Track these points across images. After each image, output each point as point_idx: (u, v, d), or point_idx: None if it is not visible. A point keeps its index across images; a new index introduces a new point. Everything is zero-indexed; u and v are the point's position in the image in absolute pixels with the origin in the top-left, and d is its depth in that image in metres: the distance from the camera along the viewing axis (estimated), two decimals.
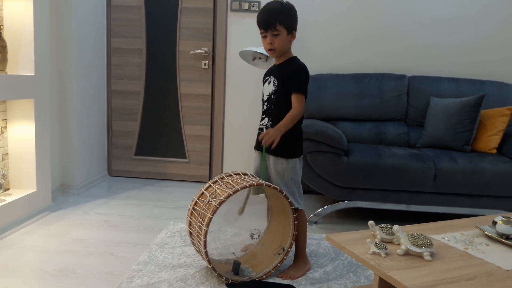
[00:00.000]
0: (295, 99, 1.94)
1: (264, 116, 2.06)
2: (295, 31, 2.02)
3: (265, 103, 2.06)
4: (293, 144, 2.01)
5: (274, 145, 1.88)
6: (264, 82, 2.10)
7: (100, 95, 3.58)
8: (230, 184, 1.87)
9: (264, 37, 1.99)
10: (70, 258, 2.10)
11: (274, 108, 2.00)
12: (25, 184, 2.63)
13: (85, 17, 3.23)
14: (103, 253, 2.18)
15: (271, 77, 2.04)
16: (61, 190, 3.18)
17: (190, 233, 1.94)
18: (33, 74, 2.54)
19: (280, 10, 1.95)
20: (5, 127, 2.59)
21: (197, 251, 1.97)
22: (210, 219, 1.75)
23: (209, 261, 1.80)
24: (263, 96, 2.10)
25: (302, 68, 1.98)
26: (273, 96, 2.01)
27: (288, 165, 1.99)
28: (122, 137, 3.74)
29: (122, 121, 3.72)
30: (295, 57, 2.06)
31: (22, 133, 2.59)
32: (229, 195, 1.78)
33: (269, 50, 2.00)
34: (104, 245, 2.28)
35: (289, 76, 1.96)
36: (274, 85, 2.01)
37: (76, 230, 2.47)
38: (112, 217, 2.72)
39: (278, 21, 1.93)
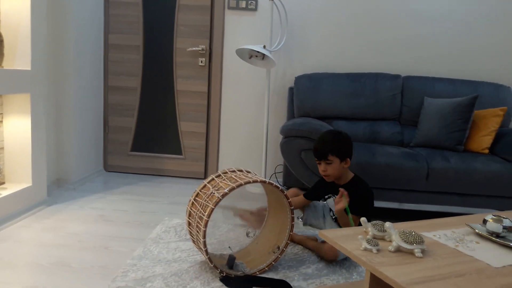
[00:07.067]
0: (353, 217, 2.09)
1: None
2: (350, 158, 2.20)
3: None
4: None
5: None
6: (326, 198, 2.31)
7: (97, 90, 3.58)
8: (234, 179, 1.89)
9: (319, 163, 2.20)
10: (65, 252, 2.11)
11: None
12: (20, 178, 2.63)
13: (83, 12, 3.23)
14: (98, 247, 2.19)
15: (336, 196, 2.19)
16: (56, 185, 3.18)
17: (189, 223, 1.95)
18: (29, 68, 2.54)
19: (332, 142, 2.18)
20: (1, 121, 2.59)
21: (193, 241, 1.98)
22: (212, 209, 1.78)
23: (206, 251, 1.82)
24: (328, 205, 2.33)
25: (368, 196, 2.17)
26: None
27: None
28: (119, 132, 3.74)
29: (119, 116, 3.72)
30: (355, 177, 2.24)
31: (18, 127, 2.60)
32: (233, 189, 1.81)
33: (324, 176, 2.20)
34: (99, 240, 2.29)
35: (355, 201, 2.09)
36: None
37: (71, 225, 2.48)
38: (108, 212, 2.73)
39: (330, 152, 2.14)
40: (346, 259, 2.13)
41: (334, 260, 2.09)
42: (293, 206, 2.01)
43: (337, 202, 2.04)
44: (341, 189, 2.05)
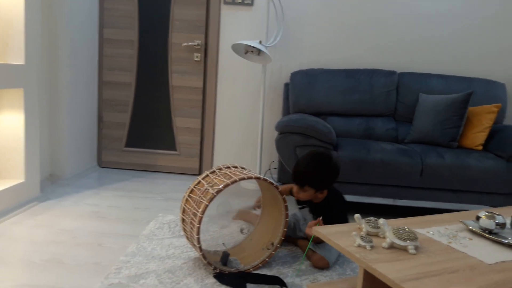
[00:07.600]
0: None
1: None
2: (327, 189, 2.07)
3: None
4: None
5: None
6: (301, 208, 2.24)
7: (91, 85, 3.56)
8: (228, 175, 1.89)
9: (294, 184, 2.08)
10: (58, 249, 2.10)
11: None
12: (13, 174, 2.61)
13: (77, 6, 3.20)
14: (91, 244, 2.18)
15: (308, 209, 2.19)
16: (50, 180, 3.16)
17: (183, 220, 1.95)
18: (23, 63, 2.51)
19: (315, 174, 2.01)
20: None
21: (187, 238, 1.98)
22: (206, 206, 1.77)
23: (200, 248, 1.81)
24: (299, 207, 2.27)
25: (342, 209, 2.11)
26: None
27: None
28: (113, 128, 3.72)
29: (113, 112, 3.70)
30: (330, 192, 2.11)
31: (11, 122, 2.58)
32: (227, 185, 1.80)
33: (295, 196, 2.12)
34: (92, 236, 2.28)
35: (332, 213, 2.04)
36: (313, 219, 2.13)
37: (64, 221, 2.47)
38: (101, 208, 2.72)
39: (308, 184, 2.02)
40: (340, 255, 2.13)
41: (326, 268, 2.03)
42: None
43: (309, 226, 1.96)
44: (320, 219, 1.93)
